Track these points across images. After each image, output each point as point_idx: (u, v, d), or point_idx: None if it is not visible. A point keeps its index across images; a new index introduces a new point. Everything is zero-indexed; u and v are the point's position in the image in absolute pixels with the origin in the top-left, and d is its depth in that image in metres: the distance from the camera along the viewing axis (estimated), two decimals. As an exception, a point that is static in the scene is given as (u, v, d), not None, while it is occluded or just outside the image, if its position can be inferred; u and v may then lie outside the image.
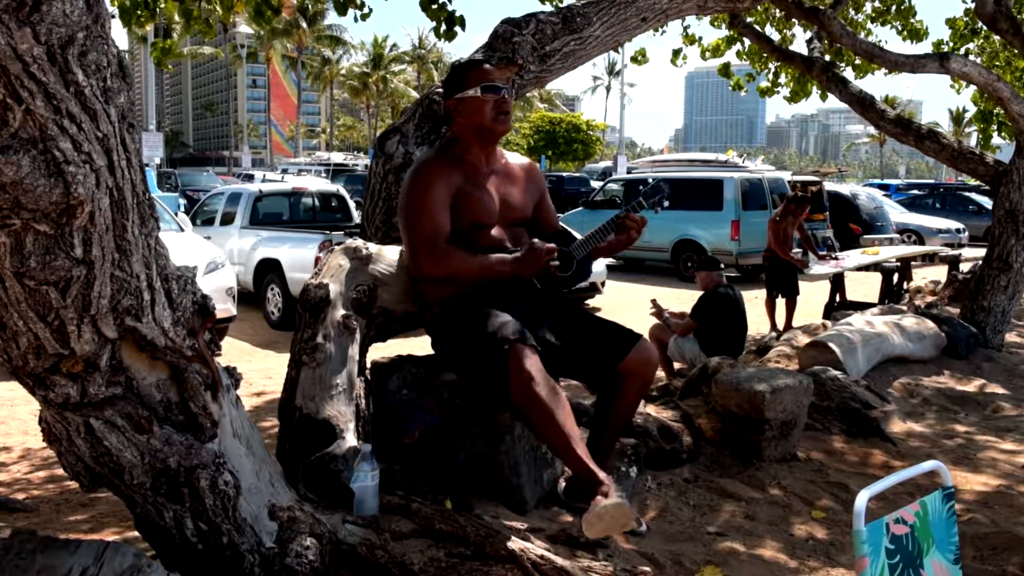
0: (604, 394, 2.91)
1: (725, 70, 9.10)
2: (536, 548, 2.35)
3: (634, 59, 9.44)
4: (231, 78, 69.13)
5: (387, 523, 2.39)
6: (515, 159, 3.06)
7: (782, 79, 8.85)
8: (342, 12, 5.56)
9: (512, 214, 2.91)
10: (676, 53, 9.14)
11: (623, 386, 2.84)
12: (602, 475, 2.43)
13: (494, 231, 2.85)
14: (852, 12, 8.21)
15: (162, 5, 5.74)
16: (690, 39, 8.93)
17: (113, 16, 5.64)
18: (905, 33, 8.31)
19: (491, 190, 2.85)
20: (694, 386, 4.31)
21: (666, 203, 2.97)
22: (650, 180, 3.12)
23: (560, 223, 3.16)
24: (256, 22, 5.97)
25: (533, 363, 2.49)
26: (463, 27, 5.42)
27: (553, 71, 3.94)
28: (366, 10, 5.68)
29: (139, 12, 5.47)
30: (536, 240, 2.77)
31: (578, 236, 3.08)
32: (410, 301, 3.19)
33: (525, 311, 2.80)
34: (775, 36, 8.51)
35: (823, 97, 8.32)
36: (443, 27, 5.36)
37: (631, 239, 2.91)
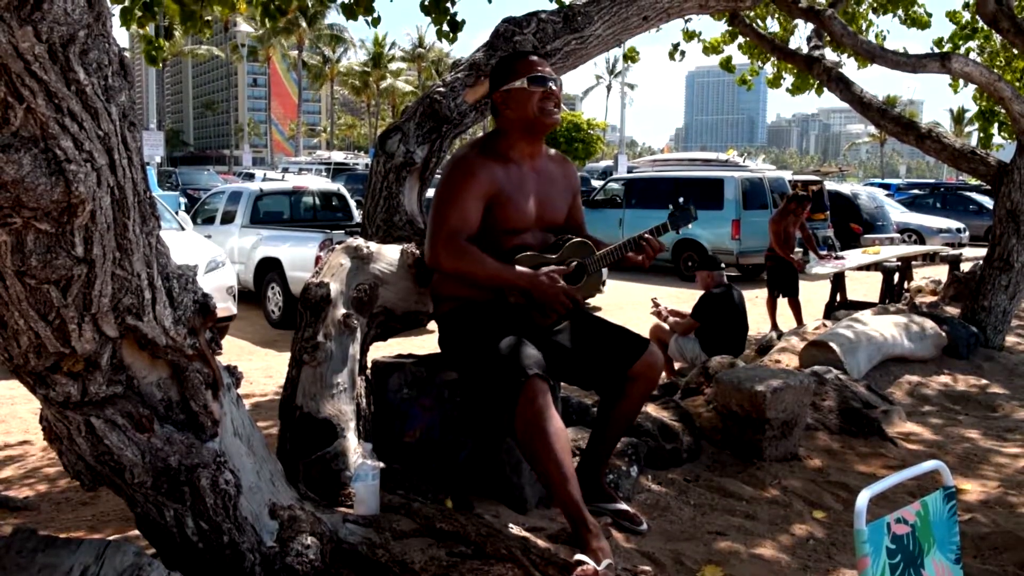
0: (608, 397, 2.90)
1: (727, 64, 9.09)
2: (537, 547, 2.35)
3: (627, 57, 9.45)
4: (232, 77, 69.15)
5: (388, 522, 2.39)
6: (554, 156, 2.97)
7: (784, 73, 8.86)
8: (351, 17, 5.58)
9: (547, 218, 2.86)
10: (675, 48, 9.15)
11: (629, 390, 2.83)
12: (592, 523, 2.39)
13: (525, 235, 2.80)
14: (854, 3, 8.21)
15: (158, 7, 5.75)
16: (689, 35, 8.94)
17: (112, 15, 5.68)
18: (908, 22, 8.31)
19: (530, 194, 2.78)
20: (695, 385, 4.31)
21: (691, 225, 2.91)
22: (680, 200, 2.96)
23: (587, 231, 3.05)
24: (262, 22, 6.04)
25: (545, 400, 2.45)
26: (460, 29, 5.51)
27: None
28: (375, 15, 5.70)
29: (138, 12, 5.48)
30: (555, 272, 2.71)
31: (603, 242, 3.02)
32: (411, 300, 3.19)
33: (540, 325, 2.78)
34: (776, 28, 8.52)
35: (819, 92, 8.33)
36: (446, 28, 5.42)
37: (643, 264, 2.84)
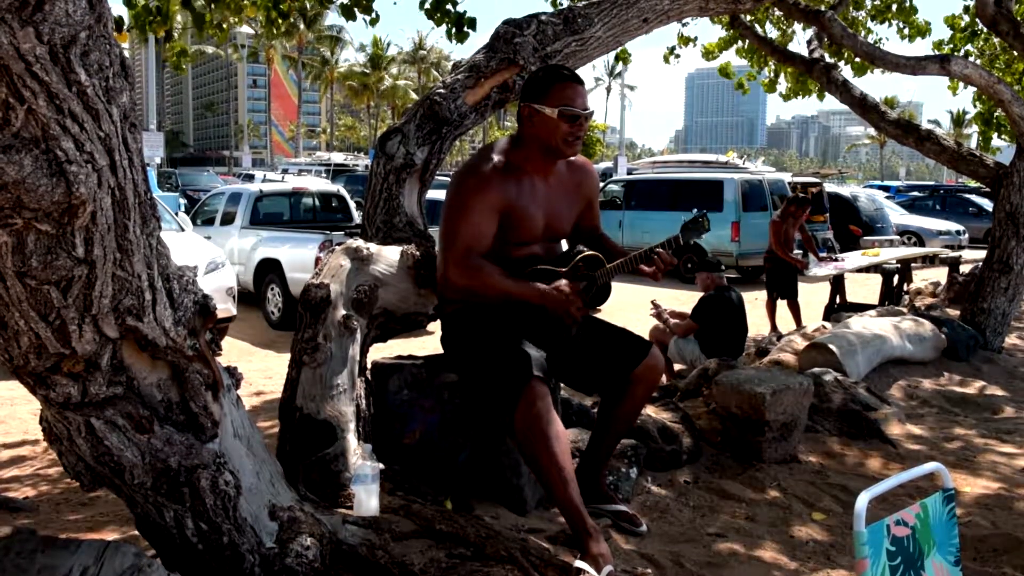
0: (610, 398, 2.90)
1: (725, 70, 9.09)
2: (536, 548, 2.35)
3: (619, 57, 9.45)
4: (232, 78, 69.12)
5: (387, 523, 2.39)
6: (574, 163, 2.93)
7: (781, 77, 8.87)
8: (350, 17, 5.58)
9: (554, 229, 2.86)
10: (670, 51, 9.16)
11: (630, 391, 2.84)
12: (592, 526, 2.40)
13: (533, 246, 2.81)
14: (852, 10, 8.23)
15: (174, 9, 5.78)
16: (685, 40, 8.94)
17: (131, 29, 5.71)
18: (906, 31, 8.33)
19: (541, 208, 2.78)
20: (694, 387, 4.31)
21: (703, 236, 2.89)
22: (694, 212, 2.94)
23: (602, 231, 3.07)
24: (267, 32, 6.08)
25: (546, 403, 2.47)
26: (473, 28, 5.44)
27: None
28: (374, 15, 5.69)
29: (151, 18, 5.50)
30: (566, 283, 2.70)
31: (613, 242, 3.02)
32: (411, 301, 3.20)
33: (547, 326, 2.78)
34: (774, 34, 8.53)
35: (820, 97, 8.34)
36: (453, 29, 5.39)
37: (654, 276, 2.82)
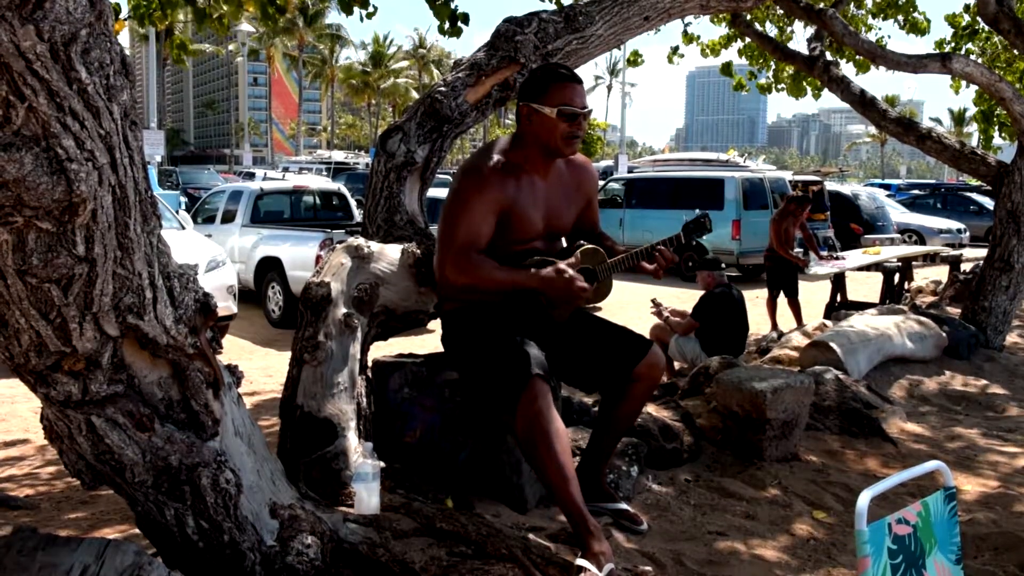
0: (610, 397, 2.90)
1: (727, 69, 9.09)
2: (537, 547, 2.35)
3: (630, 61, 9.46)
4: (232, 76, 69.07)
5: (388, 522, 2.39)
6: (573, 161, 2.91)
7: (782, 74, 8.86)
8: (347, 12, 5.57)
9: (554, 227, 2.86)
10: (674, 51, 9.16)
11: (631, 390, 2.83)
12: (593, 524, 2.41)
13: (533, 243, 2.80)
14: (853, 7, 8.23)
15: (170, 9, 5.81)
16: (689, 38, 8.93)
17: (128, 17, 5.73)
18: (908, 27, 8.34)
19: (541, 205, 2.78)
20: (695, 386, 4.31)
21: (705, 236, 2.87)
22: (697, 212, 2.94)
23: (601, 229, 3.06)
24: (262, 23, 6.08)
25: (547, 401, 2.47)
26: (466, 23, 5.45)
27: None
28: (371, 8, 5.69)
29: (149, 9, 5.51)
30: (564, 266, 2.68)
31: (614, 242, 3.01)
32: (411, 299, 3.20)
33: (544, 324, 2.78)
34: (774, 32, 8.52)
35: (816, 95, 8.34)
36: (447, 24, 5.39)
37: (655, 274, 2.81)
